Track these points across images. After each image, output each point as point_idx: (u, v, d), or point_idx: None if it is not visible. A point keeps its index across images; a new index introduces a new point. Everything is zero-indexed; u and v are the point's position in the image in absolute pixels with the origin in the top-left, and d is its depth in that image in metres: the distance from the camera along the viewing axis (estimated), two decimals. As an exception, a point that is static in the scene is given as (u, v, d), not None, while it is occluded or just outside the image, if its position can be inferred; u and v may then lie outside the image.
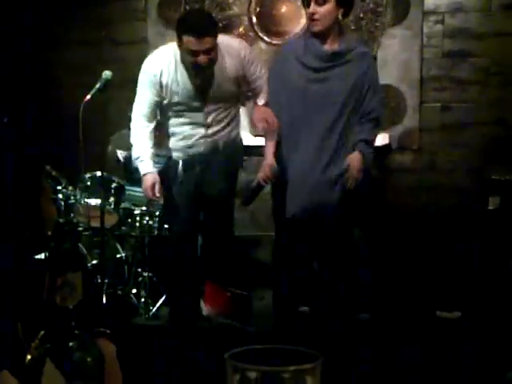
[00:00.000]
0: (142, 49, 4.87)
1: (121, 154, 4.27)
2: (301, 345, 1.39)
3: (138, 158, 3.51)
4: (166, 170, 3.63)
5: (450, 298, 4.28)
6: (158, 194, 3.51)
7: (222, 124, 3.54)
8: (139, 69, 4.83)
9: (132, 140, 3.56)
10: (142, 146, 3.50)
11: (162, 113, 3.54)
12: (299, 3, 4.58)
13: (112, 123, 4.51)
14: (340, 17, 3.28)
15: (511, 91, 4.23)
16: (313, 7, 3.19)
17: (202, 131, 3.50)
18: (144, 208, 4.10)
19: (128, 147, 4.25)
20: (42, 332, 1.23)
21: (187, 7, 4.75)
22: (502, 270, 3.76)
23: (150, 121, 3.50)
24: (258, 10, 4.72)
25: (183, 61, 3.35)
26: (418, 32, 4.49)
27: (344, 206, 3.35)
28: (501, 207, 3.91)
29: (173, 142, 3.58)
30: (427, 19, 4.48)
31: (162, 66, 3.38)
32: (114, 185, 4.12)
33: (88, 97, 3.56)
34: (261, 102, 3.53)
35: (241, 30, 4.74)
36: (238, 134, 3.71)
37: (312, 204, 3.32)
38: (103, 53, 4.88)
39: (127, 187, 4.21)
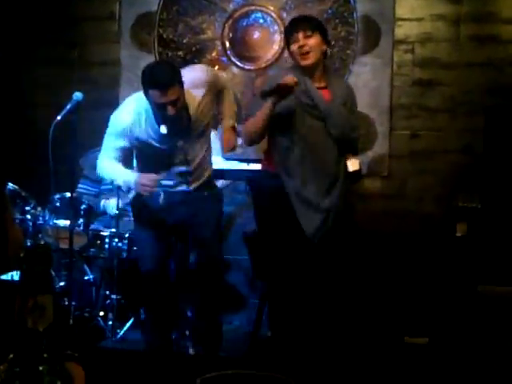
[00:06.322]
0: (115, 70, 4.88)
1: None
2: (274, 371, 1.39)
3: (116, 179, 3.36)
4: (141, 198, 3.42)
5: (418, 324, 4.31)
6: (152, 184, 3.24)
7: (201, 156, 3.44)
8: (111, 89, 4.87)
9: (104, 174, 3.40)
10: (114, 169, 3.34)
11: (139, 159, 3.42)
12: (272, 30, 4.66)
13: (83, 144, 4.48)
14: (326, 52, 3.33)
15: (478, 120, 4.28)
16: (302, 40, 3.18)
17: (183, 169, 3.40)
18: (113, 230, 4.07)
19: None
20: (11, 355, 1.21)
21: (160, 30, 4.78)
22: (470, 296, 3.80)
23: (117, 161, 3.33)
24: (231, 35, 4.76)
25: (153, 110, 3.24)
26: (389, 60, 4.57)
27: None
28: (468, 234, 3.96)
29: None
30: (397, 48, 4.57)
31: (133, 117, 3.25)
32: (83, 206, 4.10)
33: (58, 118, 3.54)
34: (229, 123, 3.51)
35: (214, 54, 4.77)
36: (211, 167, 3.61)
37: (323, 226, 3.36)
38: (75, 73, 4.87)
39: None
